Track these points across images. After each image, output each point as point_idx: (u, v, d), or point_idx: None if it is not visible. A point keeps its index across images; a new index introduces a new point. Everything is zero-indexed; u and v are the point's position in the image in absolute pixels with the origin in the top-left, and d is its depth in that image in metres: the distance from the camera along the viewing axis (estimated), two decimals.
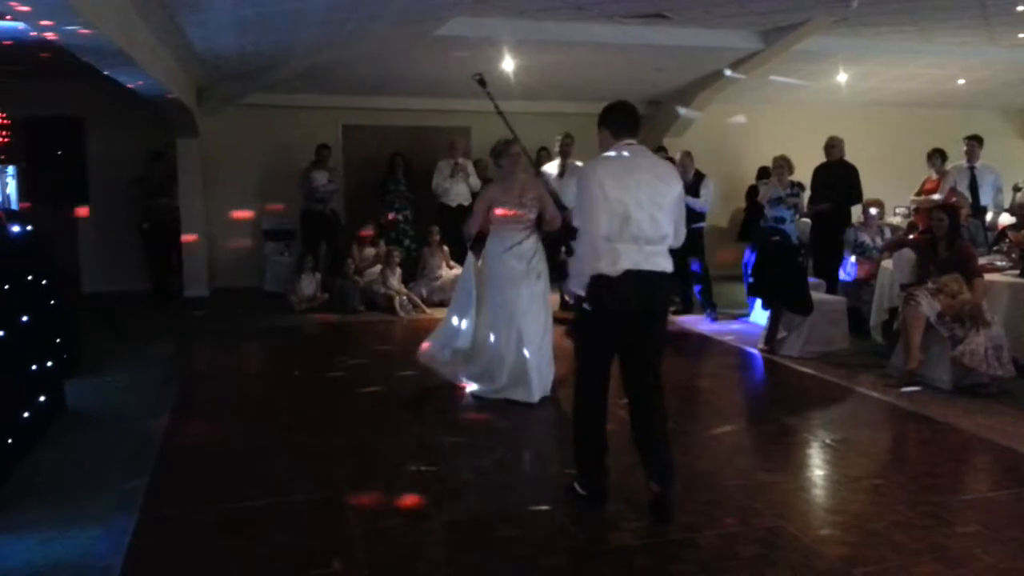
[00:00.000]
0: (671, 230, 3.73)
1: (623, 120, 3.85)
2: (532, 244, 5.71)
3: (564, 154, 8.83)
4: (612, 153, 3.79)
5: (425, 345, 6.03)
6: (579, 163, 8.55)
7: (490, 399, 5.64)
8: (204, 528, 3.66)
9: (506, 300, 5.65)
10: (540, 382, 5.63)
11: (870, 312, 7.35)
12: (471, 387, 5.85)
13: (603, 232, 3.59)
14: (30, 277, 5.07)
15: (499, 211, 5.70)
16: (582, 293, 3.74)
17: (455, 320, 5.92)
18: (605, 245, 3.60)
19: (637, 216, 3.60)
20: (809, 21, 8.59)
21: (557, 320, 6.14)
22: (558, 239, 5.42)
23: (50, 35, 4.97)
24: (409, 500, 3.96)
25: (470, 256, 5.99)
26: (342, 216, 10.77)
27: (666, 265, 3.72)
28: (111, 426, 5.14)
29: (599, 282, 3.62)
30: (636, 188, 3.63)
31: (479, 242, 5.89)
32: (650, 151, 4.00)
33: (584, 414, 3.85)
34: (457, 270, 9.68)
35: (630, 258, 3.60)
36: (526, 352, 5.58)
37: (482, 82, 5.74)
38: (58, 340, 5.63)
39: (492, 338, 5.72)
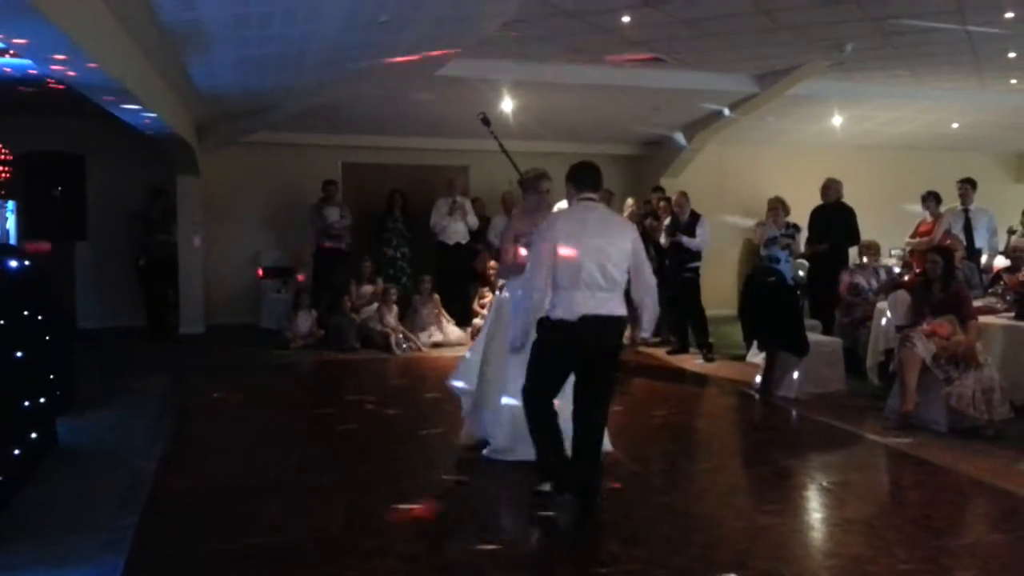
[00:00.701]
0: (622, 278, 4.21)
1: (583, 177, 4.37)
2: None
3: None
4: (570, 208, 4.41)
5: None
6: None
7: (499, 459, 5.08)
8: (195, 568, 3.62)
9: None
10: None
11: (866, 353, 7.35)
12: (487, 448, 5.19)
13: (561, 283, 4.12)
14: (25, 312, 5.06)
15: (524, 251, 4.97)
16: (517, 344, 4.41)
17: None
18: (563, 294, 4.12)
19: (588, 267, 4.09)
20: (803, 65, 8.73)
21: None
22: None
23: (57, 67, 5.03)
24: (402, 540, 3.92)
25: (499, 299, 5.38)
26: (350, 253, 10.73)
27: (617, 310, 4.20)
28: (103, 463, 5.09)
29: (559, 326, 4.13)
30: (587, 241, 4.13)
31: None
32: (604, 206, 4.56)
33: (537, 419, 4.32)
34: (451, 326, 9.67)
35: (585, 304, 4.10)
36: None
37: (486, 121, 5.80)
38: (51, 376, 5.60)
39: (498, 395, 5.09)
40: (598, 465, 4.34)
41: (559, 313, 4.13)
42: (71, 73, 5.18)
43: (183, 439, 5.65)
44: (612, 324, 4.18)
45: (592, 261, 4.10)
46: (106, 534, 3.95)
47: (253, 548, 3.81)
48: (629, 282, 4.30)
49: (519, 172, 5.46)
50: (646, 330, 4.54)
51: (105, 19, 5.01)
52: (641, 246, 4.34)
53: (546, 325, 4.19)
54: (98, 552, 3.75)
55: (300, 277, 10.50)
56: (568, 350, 4.18)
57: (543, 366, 4.29)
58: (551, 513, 4.23)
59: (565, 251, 4.10)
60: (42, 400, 5.12)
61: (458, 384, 5.49)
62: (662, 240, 9.02)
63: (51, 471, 4.89)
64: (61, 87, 5.76)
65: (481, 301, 9.58)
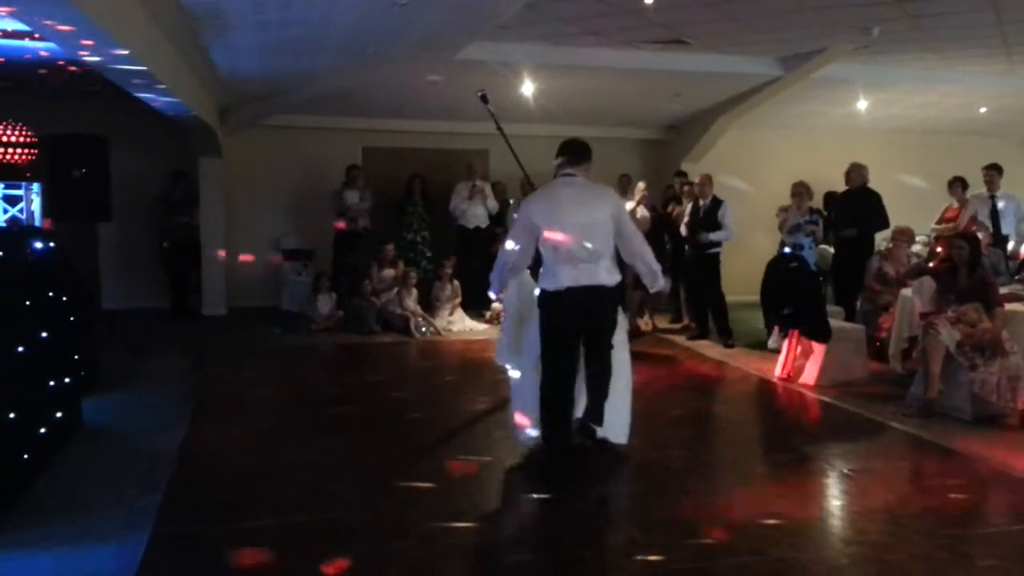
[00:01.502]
0: (605, 248, 4.44)
1: (562, 154, 4.62)
2: None
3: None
4: (546, 187, 4.68)
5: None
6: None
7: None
8: (216, 547, 3.65)
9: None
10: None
11: (889, 340, 7.28)
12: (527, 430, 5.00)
13: (545, 258, 4.51)
14: (51, 293, 5.12)
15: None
16: (492, 296, 5.23)
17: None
18: (548, 268, 4.50)
19: (567, 238, 4.36)
20: (829, 48, 8.60)
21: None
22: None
23: (83, 54, 5.07)
24: (420, 521, 3.94)
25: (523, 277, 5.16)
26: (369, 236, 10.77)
27: (602, 279, 4.45)
28: (126, 443, 5.16)
29: (546, 297, 4.53)
30: (563, 216, 4.39)
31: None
32: (582, 180, 4.61)
33: (550, 381, 4.55)
34: (468, 319, 9.62)
35: (569, 275, 4.41)
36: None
37: (484, 99, 5.81)
38: (76, 356, 5.67)
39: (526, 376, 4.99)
40: (601, 403, 4.63)
41: (545, 284, 4.53)
42: (96, 58, 5.21)
43: (205, 420, 5.70)
44: (596, 292, 4.45)
45: (570, 231, 4.36)
46: (128, 513, 4.00)
47: (273, 528, 3.84)
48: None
49: (515, 154, 5.74)
50: (651, 285, 4.73)
51: (128, 3, 5.03)
52: (624, 215, 4.58)
53: (540, 296, 4.61)
54: (120, 530, 3.80)
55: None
56: (559, 316, 4.50)
57: (544, 333, 4.59)
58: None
59: (544, 229, 4.43)
60: (67, 380, 5.19)
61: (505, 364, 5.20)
62: (682, 230, 8.95)
63: (75, 450, 4.96)
64: (73, 68, 5.79)
65: None
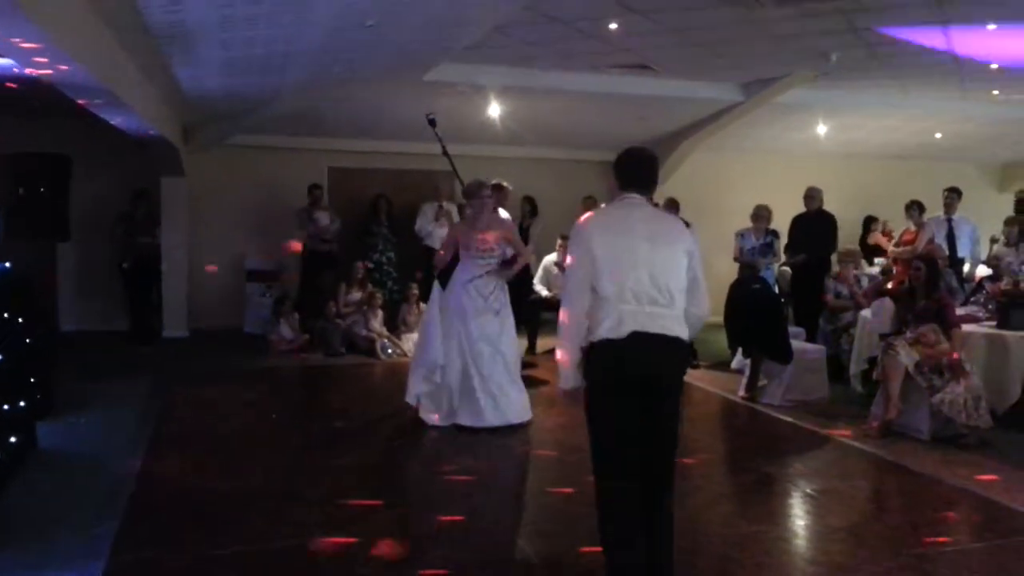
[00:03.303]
0: (680, 293, 3.28)
1: (631, 171, 3.42)
2: (492, 282, 6.00)
3: (498, 201, 9.04)
4: (607, 206, 3.51)
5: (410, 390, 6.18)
6: (505, 213, 8.82)
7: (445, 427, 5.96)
8: (175, 574, 3.58)
9: (459, 332, 5.95)
10: (496, 409, 5.86)
11: (849, 361, 7.39)
12: (428, 417, 6.06)
13: (603, 293, 3.22)
14: (6, 315, 5.00)
15: (463, 251, 6.06)
16: (569, 387, 3.33)
17: (428, 351, 6.05)
18: (606, 307, 3.20)
19: (636, 273, 3.21)
20: (789, 75, 8.78)
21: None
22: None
23: (40, 72, 4.99)
24: (385, 547, 3.90)
25: (436, 288, 6.20)
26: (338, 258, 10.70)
27: (676, 329, 3.25)
28: (83, 468, 5.04)
29: (605, 347, 3.21)
30: (632, 242, 3.25)
31: (445, 275, 6.16)
32: (651, 205, 3.59)
33: (607, 508, 3.25)
34: None
35: (635, 319, 3.18)
36: (475, 381, 5.87)
37: (432, 123, 5.89)
38: (32, 379, 5.54)
39: (444, 367, 5.97)
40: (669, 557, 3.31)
41: (604, 331, 3.20)
42: (53, 73, 5.13)
43: (164, 444, 5.59)
44: (670, 346, 3.24)
45: (640, 266, 3.22)
46: (86, 539, 3.91)
47: (234, 556, 3.78)
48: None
49: (458, 177, 6.05)
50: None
51: (89, 19, 4.98)
52: (699, 257, 3.40)
53: (591, 355, 3.26)
54: (78, 557, 3.71)
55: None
56: (621, 380, 3.21)
57: (600, 418, 3.27)
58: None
59: (603, 254, 3.23)
60: (22, 404, 5.06)
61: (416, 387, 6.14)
62: None
63: (31, 475, 4.83)
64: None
65: None
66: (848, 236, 8.74)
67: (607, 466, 3.26)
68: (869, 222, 11.49)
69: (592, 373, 3.27)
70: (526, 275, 8.47)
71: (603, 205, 3.49)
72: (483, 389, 5.88)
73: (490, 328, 5.96)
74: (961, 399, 5.62)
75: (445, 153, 5.91)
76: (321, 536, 4.00)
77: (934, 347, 5.86)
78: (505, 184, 8.46)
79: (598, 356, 3.24)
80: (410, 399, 6.14)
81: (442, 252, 6.29)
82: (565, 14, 6.69)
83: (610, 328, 3.20)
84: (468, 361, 5.92)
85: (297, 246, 10.22)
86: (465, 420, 5.90)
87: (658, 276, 3.24)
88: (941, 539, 4.18)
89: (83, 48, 4.81)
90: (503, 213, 8.93)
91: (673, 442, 3.33)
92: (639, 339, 3.18)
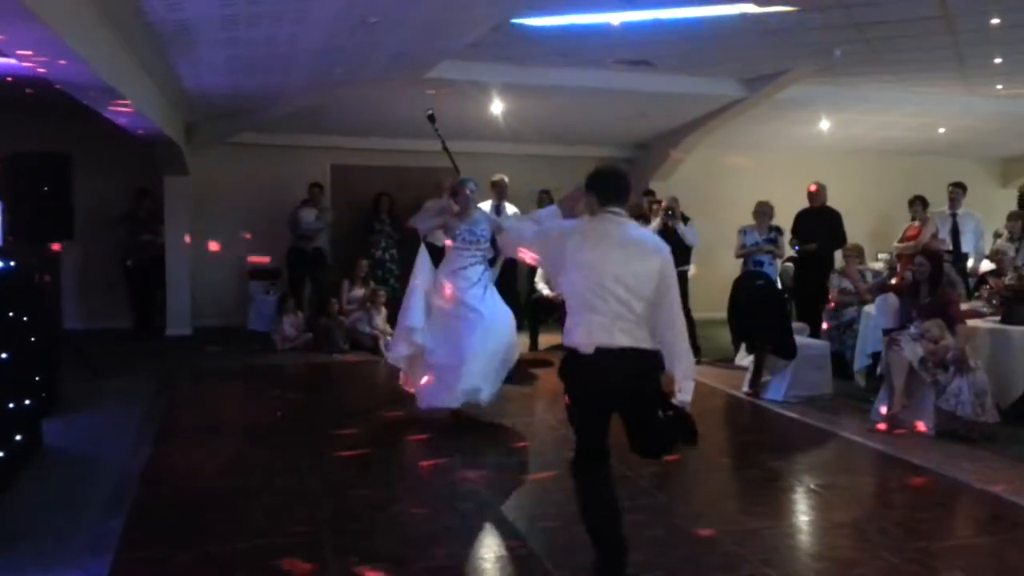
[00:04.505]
0: (648, 307, 3.40)
1: (609, 187, 3.57)
2: (479, 272, 6.11)
3: (499, 195, 9.24)
4: (589, 219, 3.58)
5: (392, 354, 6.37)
6: (512, 208, 8.82)
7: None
8: (181, 571, 3.59)
9: (447, 318, 6.00)
10: (464, 386, 5.82)
11: (853, 356, 7.38)
12: (423, 400, 6.02)
13: (575, 304, 3.45)
14: (11, 313, 5.01)
15: (449, 242, 6.20)
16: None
17: (411, 316, 6.10)
18: (579, 317, 3.42)
19: (608, 287, 3.35)
20: (792, 70, 8.76)
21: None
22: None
23: (40, 69, 5.00)
24: (389, 544, 3.90)
25: (424, 253, 6.29)
26: (328, 255, 10.74)
27: (645, 343, 3.40)
28: (88, 466, 5.06)
29: (575, 357, 3.43)
30: (606, 257, 3.40)
31: (432, 248, 6.37)
32: (631, 220, 3.70)
33: (583, 488, 3.52)
34: None
35: (604, 332, 3.36)
36: (463, 367, 5.82)
37: (432, 118, 5.96)
38: (37, 378, 5.55)
39: (434, 351, 5.98)
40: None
41: (575, 339, 3.42)
42: (57, 72, 5.14)
43: (169, 442, 5.61)
44: (636, 359, 3.39)
45: (613, 281, 3.36)
46: (91, 537, 3.92)
47: (239, 552, 3.79)
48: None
49: (457, 170, 6.23)
50: (682, 388, 3.50)
51: (92, 18, 4.98)
52: (671, 271, 3.50)
53: (565, 357, 3.51)
54: (83, 555, 3.72)
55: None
56: (584, 390, 3.45)
57: (572, 409, 3.54)
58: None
59: (578, 262, 3.44)
60: (27, 402, 5.07)
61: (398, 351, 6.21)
62: None
63: (36, 474, 4.85)
64: (30, 91, 5.76)
65: None
66: (849, 232, 8.71)
67: (578, 438, 3.55)
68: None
69: (562, 377, 3.52)
70: (515, 267, 8.74)
71: (585, 216, 3.63)
72: (473, 371, 5.85)
73: (482, 302, 6.06)
74: (966, 395, 5.62)
75: (445, 149, 5.96)
76: (325, 533, 4.01)
77: (938, 342, 5.86)
78: (497, 179, 8.97)
79: (566, 364, 3.50)
80: (392, 360, 6.35)
81: (423, 216, 6.38)
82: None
83: (580, 338, 3.41)
84: (461, 350, 5.85)
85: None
86: (462, 393, 5.86)
87: (629, 290, 3.38)
88: (945, 534, 4.19)
89: (87, 47, 4.82)
90: (509, 208, 9.05)
91: (657, 436, 3.52)
92: (603, 354, 3.36)
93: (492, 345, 5.93)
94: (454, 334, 5.92)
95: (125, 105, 6.48)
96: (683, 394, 3.50)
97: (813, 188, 8.80)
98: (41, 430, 5.38)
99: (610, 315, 3.36)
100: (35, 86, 6.98)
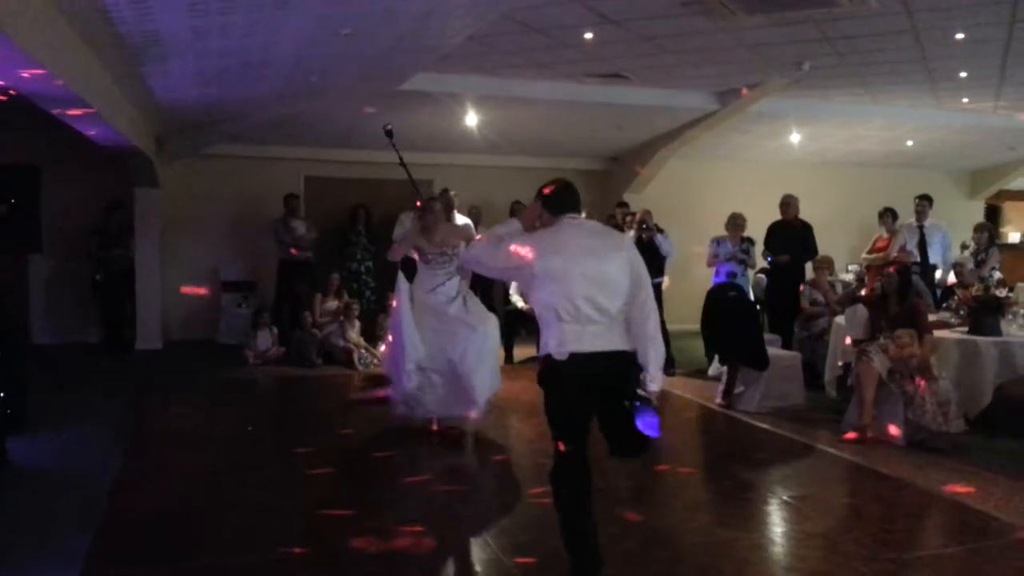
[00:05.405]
0: (619, 306, 3.45)
1: (564, 199, 3.62)
2: (455, 285, 6.06)
3: (447, 207, 9.07)
4: (553, 229, 3.57)
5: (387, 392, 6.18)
6: (463, 218, 8.87)
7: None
8: None
9: (434, 327, 5.92)
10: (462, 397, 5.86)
11: (824, 367, 7.45)
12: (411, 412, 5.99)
13: (546, 314, 3.46)
14: None
15: (421, 258, 6.11)
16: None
17: (410, 351, 5.93)
18: (552, 327, 3.44)
19: (575, 293, 3.38)
20: (763, 83, 8.86)
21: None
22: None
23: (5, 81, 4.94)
24: (362, 559, 3.87)
25: (401, 280, 6.15)
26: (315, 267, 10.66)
27: (616, 343, 3.44)
28: (55, 483, 4.97)
29: (547, 364, 3.47)
30: (573, 262, 3.41)
31: (407, 266, 6.21)
32: (589, 222, 3.81)
33: (559, 489, 3.54)
34: None
35: (577, 339, 3.38)
36: (461, 367, 5.81)
37: (389, 134, 5.97)
38: (2, 394, 5.46)
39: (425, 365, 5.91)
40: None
41: (550, 347, 3.44)
42: (22, 84, 5.08)
43: (138, 459, 5.52)
44: (610, 360, 3.42)
45: (580, 287, 3.38)
46: (59, 556, 3.85)
47: (209, 570, 3.74)
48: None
49: (415, 187, 6.21)
50: (653, 377, 3.48)
51: (61, 29, 4.93)
52: (639, 260, 3.56)
53: (542, 363, 3.52)
54: (50, 573, 3.66)
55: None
56: (561, 393, 3.47)
57: (551, 411, 3.55)
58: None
59: (547, 271, 3.43)
60: None
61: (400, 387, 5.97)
62: None
63: (2, 492, 4.76)
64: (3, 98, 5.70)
65: None
66: (820, 244, 8.82)
67: (558, 438, 3.53)
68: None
69: (542, 381, 3.53)
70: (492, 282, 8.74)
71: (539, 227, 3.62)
72: (471, 383, 5.84)
73: (463, 313, 6.01)
74: (928, 405, 5.69)
75: (403, 164, 5.99)
76: (296, 548, 3.97)
77: (905, 351, 5.91)
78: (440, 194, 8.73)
79: (544, 370, 3.51)
80: (401, 397, 5.97)
81: (398, 247, 6.24)
82: (540, 23, 6.72)
83: (554, 347, 3.43)
84: (449, 360, 5.84)
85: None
86: (457, 409, 5.92)
87: (599, 293, 3.41)
88: (916, 544, 4.23)
89: (54, 57, 4.76)
90: (459, 219, 9.10)
91: (632, 436, 3.48)
92: (577, 359, 3.39)
93: (487, 357, 5.96)
94: (448, 350, 5.88)
95: (93, 116, 6.41)
96: (653, 384, 3.49)
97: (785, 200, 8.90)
98: (6, 447, 5.28)
99: (582, 321, 3.40)
100: (3, 95, 6.87)
